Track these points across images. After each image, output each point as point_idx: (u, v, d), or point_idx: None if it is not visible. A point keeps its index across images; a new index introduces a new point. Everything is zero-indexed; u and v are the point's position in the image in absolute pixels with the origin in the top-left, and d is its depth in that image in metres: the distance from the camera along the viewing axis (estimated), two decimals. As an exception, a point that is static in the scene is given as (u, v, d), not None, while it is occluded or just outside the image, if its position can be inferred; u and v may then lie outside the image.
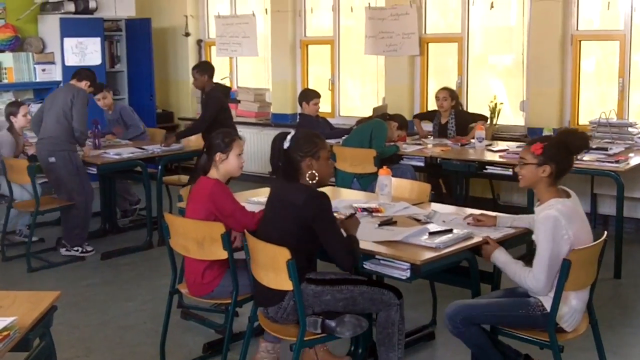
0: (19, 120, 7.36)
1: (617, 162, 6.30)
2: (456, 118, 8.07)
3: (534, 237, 3.92)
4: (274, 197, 4.13)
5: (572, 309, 3.77)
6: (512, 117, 8.72)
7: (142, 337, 5.21)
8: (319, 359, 4.54)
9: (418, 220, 4.46)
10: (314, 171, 4.01)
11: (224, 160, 4.54)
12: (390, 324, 3.96)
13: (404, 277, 3.78)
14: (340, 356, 4.59)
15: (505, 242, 4.12)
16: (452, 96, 8.06)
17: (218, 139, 4.58)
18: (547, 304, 3.72)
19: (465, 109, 8.57)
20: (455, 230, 4.14)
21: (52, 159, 6.98)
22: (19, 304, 3.27)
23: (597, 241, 3.82)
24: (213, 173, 4.56)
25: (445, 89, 8.14)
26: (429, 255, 3.85)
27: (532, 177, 3.83)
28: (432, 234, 4.10)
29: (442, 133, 8.13)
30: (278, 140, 4.11)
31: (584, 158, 6.43)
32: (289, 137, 4.06)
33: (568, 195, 3.85)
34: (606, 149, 6.65)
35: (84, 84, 7.10)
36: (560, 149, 3.83)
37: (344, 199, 5.11)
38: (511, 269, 3.86)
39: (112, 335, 5.25)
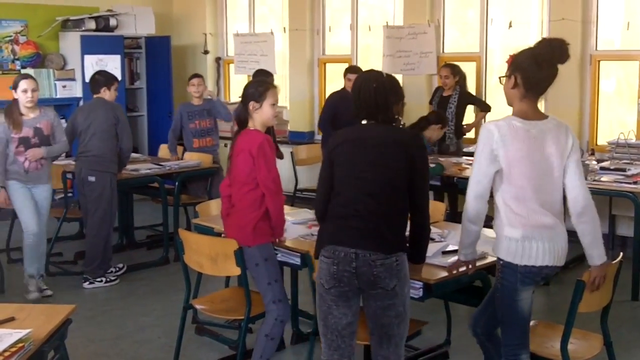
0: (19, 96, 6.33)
1: (635, 183, 6.27)
2: (460, 94, 8.22)
3: None
4: (374, 142, 3.60)
5: (514, 240, 3.55)
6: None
7: (156, 352, 5.23)
8: None
9: (432, 240, 4.44)
10: (399, 116, 3.79)
11: (258, 110, 4.39)
12: None
13: (416, 297, 3.78)
14: None
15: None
16: (454, 72, 8.20)
17: (252, 87, 4.45)
18: (497, 247, 3.64)
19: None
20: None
21: (92, 179, 6.70)
22: (34, 317, 3.31)
23: (613, 262, 3.79)
24: (250, 124, 4.44)
25: (447, 65, 8.28)
26: (442, 274, 3.85)
27: (506, 91, 3.67)
28: (445, 253, 4.10)
29: (443, 105, 8.26)
30: (372, 80, 3.71)
31: (602, 179, 6.42)
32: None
33: (537, 117, 3.60)
34: (624, 170, 6.61)
35: (106, 94, 6.80)
36: (526, 59, 3.60)
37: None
38: (463, 234, 3.72)
39: (127, 349, 5.26)
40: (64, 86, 9.94)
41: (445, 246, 4.23)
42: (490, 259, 4.04)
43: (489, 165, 3.52)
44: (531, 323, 4.07)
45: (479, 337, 3.94)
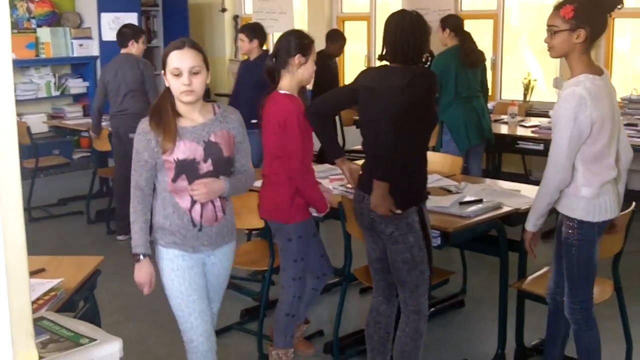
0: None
1: (647, 137, 6.33)
2: None
3: (551, 112, 3.59)
4: (381, 91, 3.54)
5: (589, 199, 3.48)
6: (546, 93, 8.74)
7: (180, 304, 5.36)
8: (295, 344, 4.47)
9: (449, 192, 4.55)
10: (428, 52, 3.64)
11: (303, 65, 3.97)
12: (419, 337, 3.72)
13: (434, 245, 3.85)
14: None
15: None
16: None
17: (296, 39, 3.99)
18: (569, 208, 3.53)
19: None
20: (485, 201, 4.24)
21: (133, 135, 6.62)
22: (64, 268, 3.41)
23: (625, 211, 3.87)
24: (285, 82, 4.01)
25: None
26: (459, 223, 3.95)
27: (565, 45, 3.42)
28: (462, 203, 4.20)
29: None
30: (407, 23, 3.56)
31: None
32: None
33: (600, 72, 3.49)
34: (637, 125, 6.68)
35: (134, 48, 6.82)
36: (593, 8, 3.39)
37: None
38: (535, 202, 3.61)
39: (152, 302, 5.29)
40: (81, 45, 9.98)
41: (463, 197, 4.32)
42: (505, 209, 4.15)
43: (583, 131, 3.37)
44: (545, 269, 4.24)
45: (557, 306, 3.84)
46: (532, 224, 3.65)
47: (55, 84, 9.99)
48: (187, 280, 3.36)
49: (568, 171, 3.44)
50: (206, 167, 3.29)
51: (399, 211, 3.49)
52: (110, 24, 9.92)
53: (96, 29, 10.03)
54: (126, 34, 6.85)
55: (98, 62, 9.99)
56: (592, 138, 3.40)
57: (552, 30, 3.44)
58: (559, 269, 3.75)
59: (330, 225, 5.04)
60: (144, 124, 3.34)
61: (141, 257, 3.35)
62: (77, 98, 10.22)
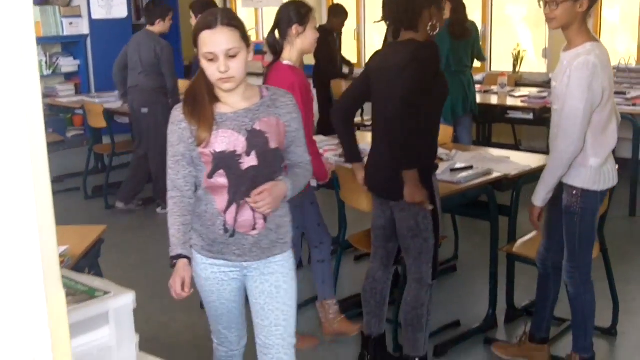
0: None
1: (634, 105, 6.45)
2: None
3: (554, 84, 3.58)
4: (386, 74, 3.58)
5: (595, 169, 3.51)
6: (536, 64, 8.83)
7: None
8: (337, 328, 4.44)
9: (441, 159, 4.65)
10: (435, 21, 3.55)
11: (301, 34, 3.98)
12: (420, 305, 3.74)
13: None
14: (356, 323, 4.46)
15: (524, 177, 4.33)
16: None
17: (293, 9, 4.00)
18: (575, 178, 3.53)
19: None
20: (475, 167, 4.36)
21: (145, 110, 6.78)
22: (68, 236, 3.48)
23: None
24: (286, 52, 4.04)
25: None
26: (451, 189, 4.07)
27: (568, 15, 3.39)
28: (454, 170, 4.32)
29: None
30: None
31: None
32: None
33: (598, 40, 3.49)
34: (624, 93, 6.78)
35: (159, 26, 6.81)
36: None
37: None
38: (545, 176, 3.58)
39: (153, 273, 5.44)
40: (71, 23, 9.92)
41: (454, 164, 4.44)
42: (495, 175, 4.28)
43: (596, 100, 3.36)
44: (534, 233, 4.32)
45: (547, 270, 3.93)
46: (541, 199, 3.63)
47: (46, 63, 9.94)
48: (215, 294, 3.00)
49: (581, 142, 3.41)
50: (249, 161, 2.79)
51: (431, 206, 3.58)
52: (100, 2, 9.87)
53: (85, 7, 9.92)
54: (154, 12, 6.82)
55: (88, 41, 9.98)
56: (601, 106, 3.41)
57: (555, 1, 3.39)
58: (552, 234, 3.83)
59: (325, 194, 5.13)
60: (177, 111, 2.84)
61: (176, 260, 2.89)
62: (68, 76, 10.19)
